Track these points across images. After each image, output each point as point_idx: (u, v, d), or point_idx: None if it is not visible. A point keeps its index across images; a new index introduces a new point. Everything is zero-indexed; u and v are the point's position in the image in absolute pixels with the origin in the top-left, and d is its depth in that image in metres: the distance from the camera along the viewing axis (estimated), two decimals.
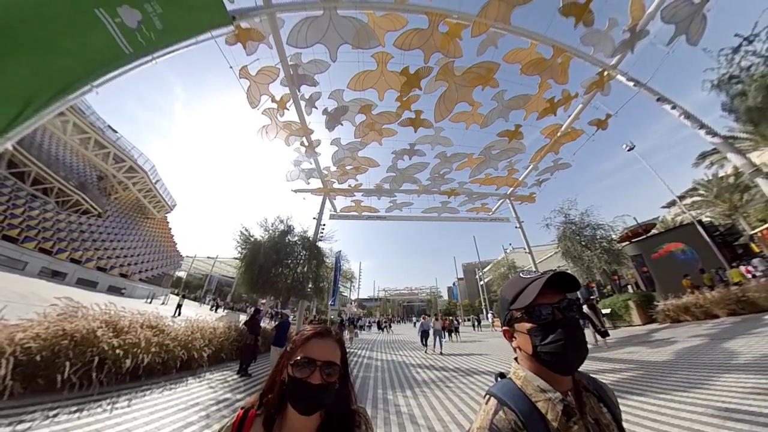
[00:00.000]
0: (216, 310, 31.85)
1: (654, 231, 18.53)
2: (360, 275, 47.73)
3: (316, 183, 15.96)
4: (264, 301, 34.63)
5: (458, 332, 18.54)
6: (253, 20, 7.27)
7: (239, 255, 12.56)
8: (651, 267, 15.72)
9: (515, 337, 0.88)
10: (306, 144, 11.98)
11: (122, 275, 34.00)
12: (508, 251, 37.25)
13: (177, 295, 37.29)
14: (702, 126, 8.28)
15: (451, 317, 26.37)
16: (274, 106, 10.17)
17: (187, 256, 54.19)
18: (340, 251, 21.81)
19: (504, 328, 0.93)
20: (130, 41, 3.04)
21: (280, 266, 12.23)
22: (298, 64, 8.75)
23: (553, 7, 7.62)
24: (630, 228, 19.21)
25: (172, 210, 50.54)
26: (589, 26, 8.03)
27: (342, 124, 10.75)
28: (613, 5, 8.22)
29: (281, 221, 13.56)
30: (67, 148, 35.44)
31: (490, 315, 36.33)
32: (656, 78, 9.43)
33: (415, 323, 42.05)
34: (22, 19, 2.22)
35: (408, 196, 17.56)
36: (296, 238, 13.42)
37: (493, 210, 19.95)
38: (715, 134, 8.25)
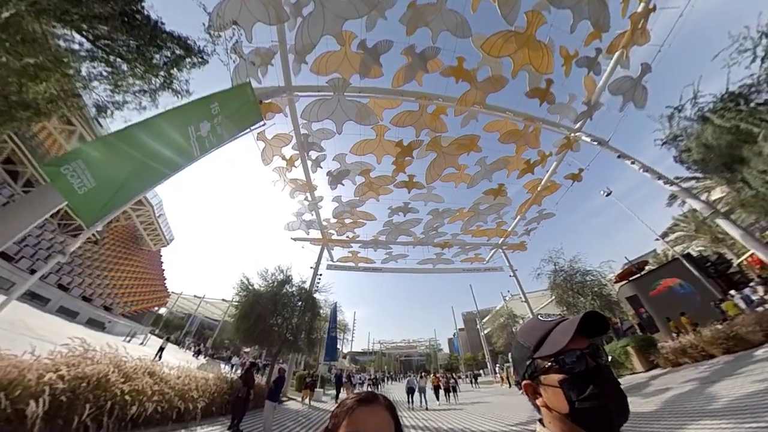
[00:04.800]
0: (198, 356, 29.89)
1: (648, 267, 17.76)
2: (354, 326, 45.67)
3: (315, 233, 16.73)
4: (248, 350, 32.60)
5: (455, 392, 16.64)
6: (273, 97, 8.73)
7: (236, 303, 12.57)
8: (650, 306, 14.72)
9: (540, 393, 0.72)
10: (309, 199, 13.06)
11: (105, 308, 32.10)
12: (507, 299, 36.50)
13: (157, 335, 35.15)
14: (660, 177, 9.43)
15: (450, 373, 24.57)
16: (284, 164, 11.46)
17: (172, 292, 51.94)
18: (336, 303, 21.26)
19: (525, 382, 0.75)
20: (201, 146, 4.12)
21: (276, 316, 12.12)
22: (308, 133, 10.18)
23: (521, 91, 9.27)
24: (624, 266, 18.63)
25: (168, 244, 48.82)
26: (552, 104, 9.64)
27: (344, 184, 11.95)
28: (569, 84, 9.86)
29: (281, 271, 13.41)
30: None
31: (497, 368, 32.11)
32: (616, 136, 10.82)
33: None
34: (151, 152, 3.21)
35: (404, 248, 18.15)
36: (294, 288, 13.31)
37: (486, 259, 20.50)
38: (672, 183, 9.37)
